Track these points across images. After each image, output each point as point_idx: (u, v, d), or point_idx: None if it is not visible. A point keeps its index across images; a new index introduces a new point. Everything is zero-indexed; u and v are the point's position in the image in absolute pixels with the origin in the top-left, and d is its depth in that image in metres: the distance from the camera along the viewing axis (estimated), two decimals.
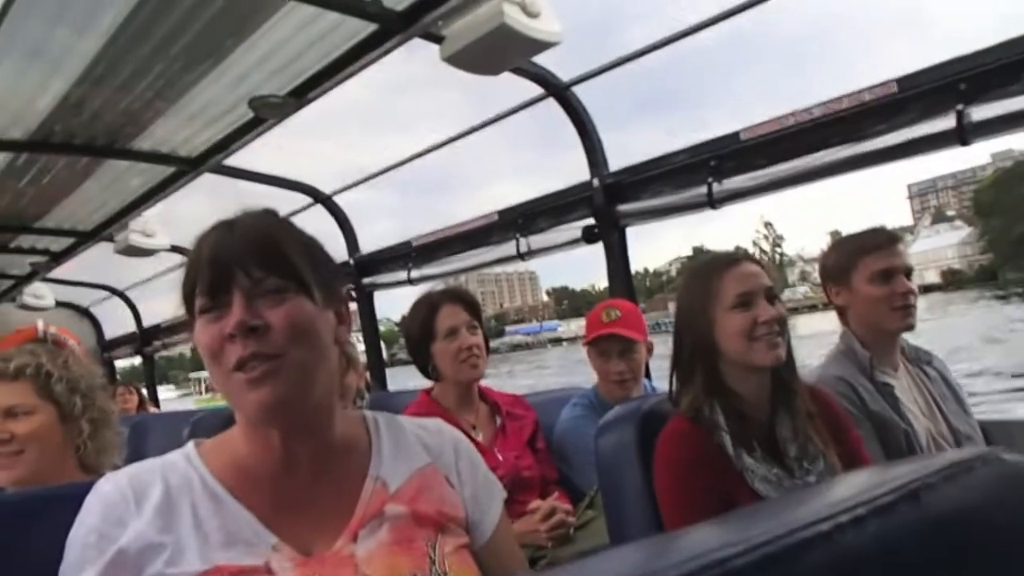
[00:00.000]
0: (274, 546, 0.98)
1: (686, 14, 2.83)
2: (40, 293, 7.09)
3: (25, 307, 7.21)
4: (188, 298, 1.02)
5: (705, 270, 1.75)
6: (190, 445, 1.08)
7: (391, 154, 4.09)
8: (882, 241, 2.14)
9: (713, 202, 2.86)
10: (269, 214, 1.08)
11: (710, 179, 2.84)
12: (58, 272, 6.30)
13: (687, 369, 1.74)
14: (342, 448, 1.09)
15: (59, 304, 7.48)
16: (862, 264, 2.12)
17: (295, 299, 0.99)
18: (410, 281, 4.16)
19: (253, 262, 0.99)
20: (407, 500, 1.07)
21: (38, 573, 1.00)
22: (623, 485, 1.77)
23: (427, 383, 2.55)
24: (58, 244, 5.59)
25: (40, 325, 7.62)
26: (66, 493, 1.07)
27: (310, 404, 1.02)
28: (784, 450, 1.65)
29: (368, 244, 4.65)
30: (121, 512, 0.97)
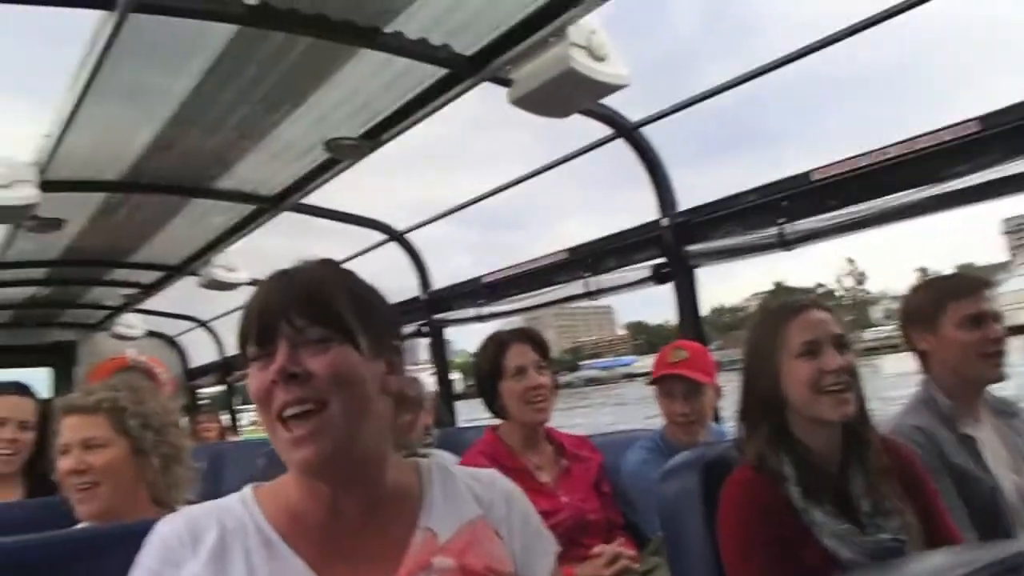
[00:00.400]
0: None
1: (764, 51, 2.78)
2: (131, 323, 7.44)
3: (117, 336, 7.58)
4: (242, 346, 1.05)
5: (772, 316, 1.71)
6: (248, 490, 1.11)
7: (464, 192, 4.15)
8: (974, 285, 2.04)
9: (785, 243, 2.79)
10: (325, 265, 1.11)
11: (781, 220, 2.78)
12: (148, 304, 6.61)
13: (753, 417, 1.68)
14: (392, 497, 1.09)
15: (149, 334, 7.83)
16: (952, 308, 2.01)
17: (339, 348, 1.02)
18: (479, 318, 4.20)
19: (298, 312, 1.02)
20: (456, 553, 1.07)
21: None
22: (686, 533, 1.72)
23: None
24: (148, 277, 5.87)
25: (130, 353, 8.02)
26: (135, 530, 1.10)
27: (355, 457, 1.03)
28: (856, 505, 1.58)
29: (444, 277, 4.72)
30: (177, 555, 1.00)
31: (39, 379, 8.36)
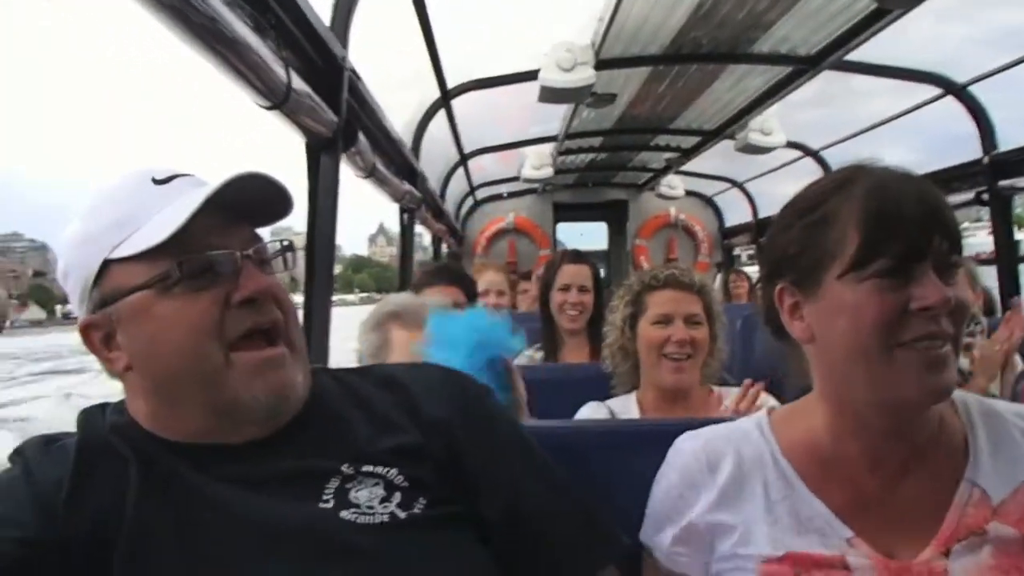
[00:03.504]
0: (849, 540, 0.94)
1: None
2: (673, 184, 8.01)
3: (661, 196, 8.26)
4: (863, 256, 0.92)
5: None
6: (763, 415, 1.09)
7: None
8: None
9: None
10: (923, 180, 0.97)
11: None
12: (688, 166, 6.98)
13: None
14: (933, 445, 0.97)
15: (688, 194, 8.35)
16: None
17: (958, 276, 0.93)
18: None
19: (943, 234, 0.91)
20: (1016, 520, 0.91)
21: (638, 497, 1.14)
22: None
23: None
24: (688, 142, 6.16)
25: (672, 212, 8.71)
26: (685, 428, 1.16)
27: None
28: None
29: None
30: (696, 478, 1.04)
31: (598, 231, 9.68)
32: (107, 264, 0.91)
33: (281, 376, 0.94)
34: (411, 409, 1.00)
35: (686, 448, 1.07)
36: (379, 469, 0.93)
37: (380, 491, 0.91)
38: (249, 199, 0.94)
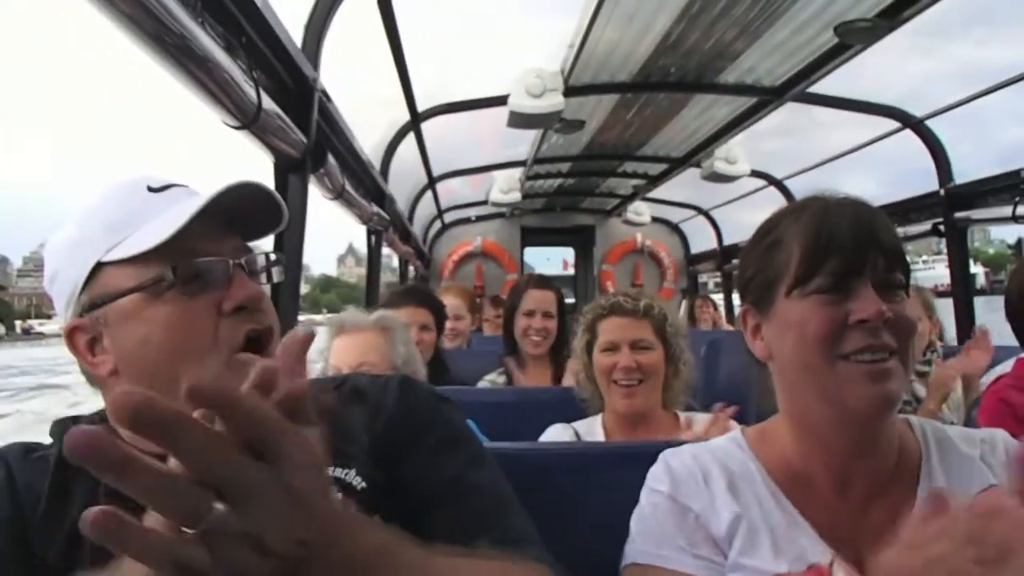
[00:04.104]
0: (831, 563, 0.95)
1: None
2: (640, 210, 8.10)
3: (628, 222, 8.34)
4: (804, 274, 0.98)
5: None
6: (738, 433, 1.11)
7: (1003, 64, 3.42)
8: None
9: None
10: (865, 204, 1.02)
11: None
12: (654, 193, 7.06)
13: None
14: (898, 469, 1.01)
15: (654, 220, 8.44)
16: None
17: (902, 295, 0.98)
18: (1015, 218, 3.54)
19: (881, 254, 0.96)
20: None
21: (615, 519, 1.11)
22: None
23: None
24: (655, 169, 6.23)
25: (639, 238, 8.80)
26: (648, 450, 1.15)
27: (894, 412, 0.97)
28: None
29: (987, 158, 4.04)
30: (689, 487, 1.03)
31: (565, 255, 9.75)
32: (99, 267, 0.91)
33: None
34: (370, 418, 1.00)
35: (673, 462, 1.07)
36: (338, 472, 0.94)
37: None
38: (242, 209, 0.94)
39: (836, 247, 0.96)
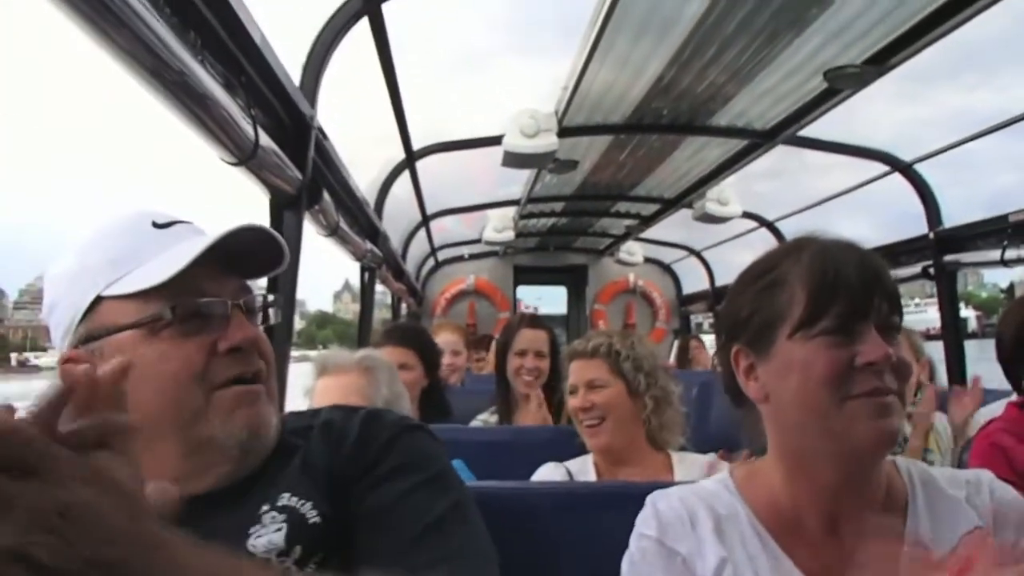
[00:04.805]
0: None
1: None
2: (632, 250, 8.14)
3: (620, 262, 8.38)
4: (811, 317, 0.98)
5: None
6: (725, 475, 1.11)
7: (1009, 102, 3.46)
8: None
9: None
10: (859, 247, 1.05)
11: None
12: (647, 233, 7.10)
13: None
14: (880, 505, 1.01)
15: (647, 260, 8.48)
16: None
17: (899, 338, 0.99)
18: (1004, 262, 3.57)
19: (883, 296, 0.98)
20: (957, 573, 0.93)
21: (602, 558, 1.10)
22: None
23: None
24: (647, 209, 6.29)
25: (631, 278, 8.83)
26: (634, 491, 1.15)
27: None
28: None
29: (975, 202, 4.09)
30: (677, 531, 1.03)
31: (558, 295, 9.75)
32: (98, 300, 0.91)
33: (258, 410, 0.95)
34: (332, 451, 0.99)
35: (661, 506, 1.07)
36: (294, 501, 0.93)
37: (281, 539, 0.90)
38: (242, 249, 0.95)
39: (843, 290, 0.97)
